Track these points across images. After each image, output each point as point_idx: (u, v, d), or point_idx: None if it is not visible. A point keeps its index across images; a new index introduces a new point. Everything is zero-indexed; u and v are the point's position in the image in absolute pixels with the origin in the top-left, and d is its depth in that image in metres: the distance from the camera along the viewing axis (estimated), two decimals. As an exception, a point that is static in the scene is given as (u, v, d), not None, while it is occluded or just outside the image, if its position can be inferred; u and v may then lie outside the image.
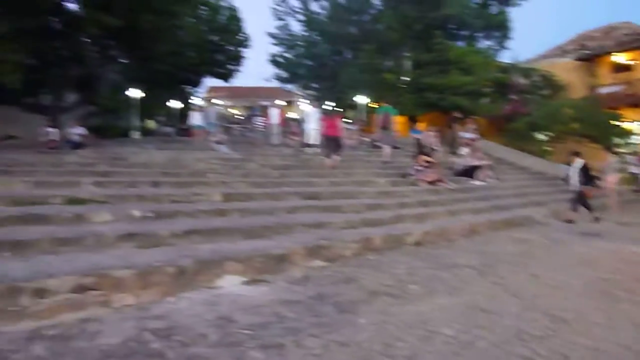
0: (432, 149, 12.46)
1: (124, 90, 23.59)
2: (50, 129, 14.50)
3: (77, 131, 14.54)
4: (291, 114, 44.09)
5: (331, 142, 11.87)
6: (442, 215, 8.90)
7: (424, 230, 7.35)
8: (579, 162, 10.64)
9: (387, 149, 13.15)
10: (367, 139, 17.94)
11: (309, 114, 14.52)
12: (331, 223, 6.93)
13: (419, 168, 11.34)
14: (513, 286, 4.99)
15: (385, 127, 13.03)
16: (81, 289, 3.89)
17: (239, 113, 48.28)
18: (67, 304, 3.80)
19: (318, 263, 5.61)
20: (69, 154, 12.03)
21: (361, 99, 24.96)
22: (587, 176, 10.57)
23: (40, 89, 19.40)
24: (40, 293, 3.71)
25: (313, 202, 8.32)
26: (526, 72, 24.29)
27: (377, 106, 24.23)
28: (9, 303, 3.56)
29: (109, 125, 24.24)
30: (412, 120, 24.04)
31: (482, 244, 7.44)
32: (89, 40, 18.73)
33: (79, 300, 3.87)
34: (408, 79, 23.74)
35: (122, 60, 23.87)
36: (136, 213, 6.32)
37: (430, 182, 11.23)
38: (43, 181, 8.31)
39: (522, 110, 22.06)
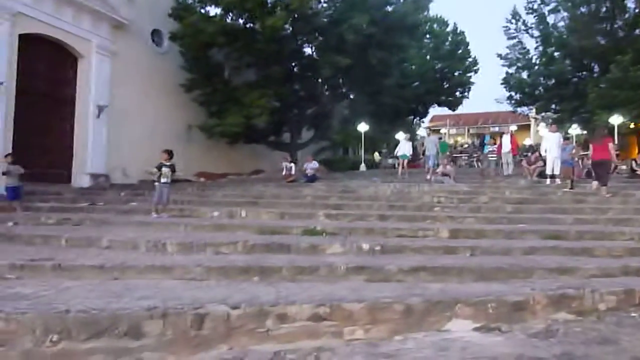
0: None
1: (352, 125, 25.57)
2: (289, 164, 16.54)
3: (312, 165, 16.26)
4: (527, 141, 41.31)
5: (599, 168, 11.19)
6: None
7: None
8: None
9: None
10: (624, 167, 15.64)
11: (549, 139, 13.45)
12: (579, 269, 6.13)
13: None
14: None
15: None
16: (316, 317, 4.24)
17: (467, 142, 47.27)
18: (304, 331, 4.19)
19: (564, 316, 5.00)
20: (305, 186, 13.58)
21: (615, 120, 21.90)
22: None
23: (281, 128, 22.46)
24: (283, 318, 4.18)
25: (555, 242, 7.52)
26: None
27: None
28: (258, 325, 4.11)
29: (339, 159, 26.58)
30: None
31: None
32: (322, 81, 20.99)
33: (314, 328, 4.22)
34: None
35: (350, 97, 26.00)
36: (365, 246, 6.69)
37: None
38: (284, 212, 9.54)
39: None
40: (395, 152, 18.74)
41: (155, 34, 19.05)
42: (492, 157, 16.19)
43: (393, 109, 31.15)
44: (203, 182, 17.67)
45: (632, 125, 23.57)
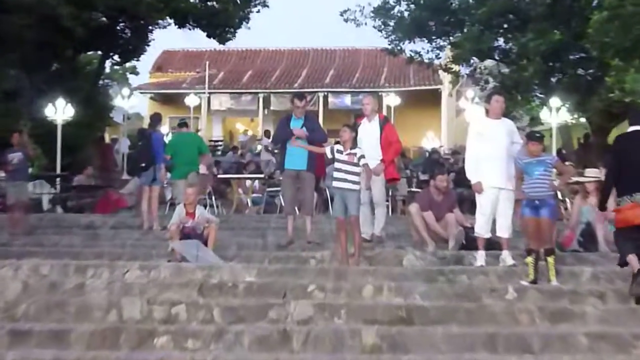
0: None
1: None
2: None
3: None
4: (426, 142, 43.36)
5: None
6: None
7: None
8: None
9: None
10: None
11: (487, 137, 13.67)
12: None
13: None
14: None
15: None
16: None
17: (255, 135, 48.90)
18: None
19: None
20: None
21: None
22: None
23: None
24: None
25: None
26: None
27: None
28: None
29: None
30: None
31: None
32: None
33: None
34: None
35: None
36: None
37: None
38: None
39: None
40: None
41: None
42: (341, 182, 14.93)
43: (44, 34, 31.56)
44: None
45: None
